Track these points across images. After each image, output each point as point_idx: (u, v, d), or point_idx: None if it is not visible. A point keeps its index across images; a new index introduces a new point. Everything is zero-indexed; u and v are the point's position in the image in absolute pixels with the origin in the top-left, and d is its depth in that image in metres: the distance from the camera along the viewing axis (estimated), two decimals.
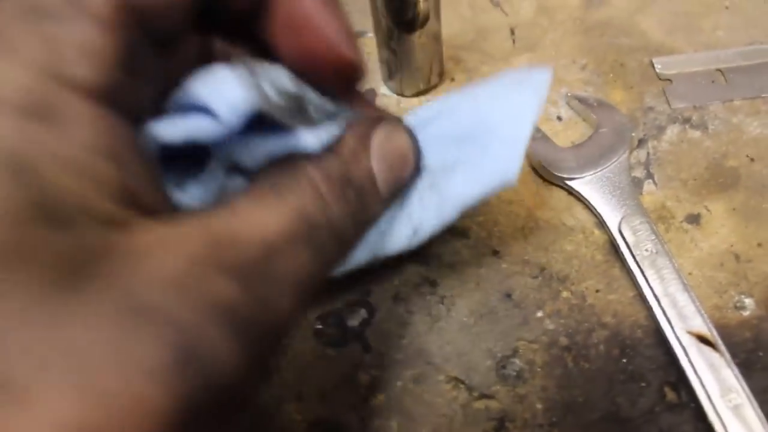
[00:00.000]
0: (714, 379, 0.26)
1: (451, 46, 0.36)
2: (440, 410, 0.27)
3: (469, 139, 0.26)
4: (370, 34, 0.37)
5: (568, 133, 0.34)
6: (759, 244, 0.30)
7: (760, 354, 0.28)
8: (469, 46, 0.37)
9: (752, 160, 0.32)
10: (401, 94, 0.35)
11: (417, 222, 0.26)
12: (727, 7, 0.38)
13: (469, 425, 0.27)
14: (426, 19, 0.31)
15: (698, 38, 0.36)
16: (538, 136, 0.33)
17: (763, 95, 0.34)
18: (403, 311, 0.30)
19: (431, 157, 0.26)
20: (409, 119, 0.27)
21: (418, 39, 0.32)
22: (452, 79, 0.36)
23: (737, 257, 0.30)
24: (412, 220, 0.26)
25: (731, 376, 0.26)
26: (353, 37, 0.22)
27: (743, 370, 0.27)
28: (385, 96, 0.36)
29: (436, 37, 0.33)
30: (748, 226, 0.30)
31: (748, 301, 0.29)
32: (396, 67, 0.34)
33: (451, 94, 0.27)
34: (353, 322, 0.30)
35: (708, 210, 0.31)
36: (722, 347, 0.27)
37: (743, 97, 0.34)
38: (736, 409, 0.26)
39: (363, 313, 0.30)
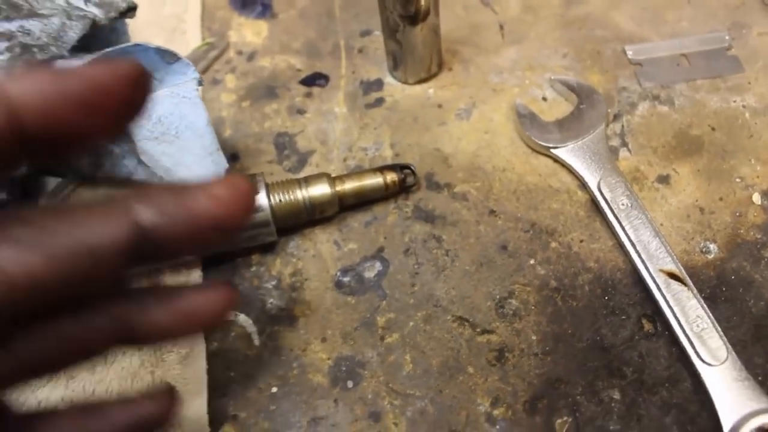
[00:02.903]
0: (683, 310, 0.31)
1: (448, 41, 0.41)
2: (448, 344, 0.32)
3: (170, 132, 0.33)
4: (377, 32, 0.42)
5: (553, 110, 0.38)
6: (720, 199, 0.34)
7: (723, 289, 0.32)
8: (464, 41, 0.42)
9: (713, 129, 0.37)
10: (405, 82, 0.40)
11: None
12: (689, 2, 0.43)
13: (473, 356, 0.31)
14: (427, 13, 0.36)
15: (664, 28, 0.41)
16: (527, 113, 0.37)
17: (721, 75, 0.39)
18: (413, 263, 0.34)
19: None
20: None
21: (420, 31, 0.37)
22: (450, 69, 0.41)
23: (701, 210, 0.34)
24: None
25: (698, 307, 0.31)
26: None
27: (708, 303, 0.31)
28: (391, 85, 0.40)
29: (436, 31, 0.38)
30: (711, 184, 0.35)
31: (711, 246, 0.33)
32: (401, 57, 0.38)
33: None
34: (370, 274, 0.34)
35: (676, 172, 0.36)
36: (690, 283, 0.31)
37: (704, 77, 0.39)
38: (702, 333, 0.30)
39: (378, 266, 0.34)
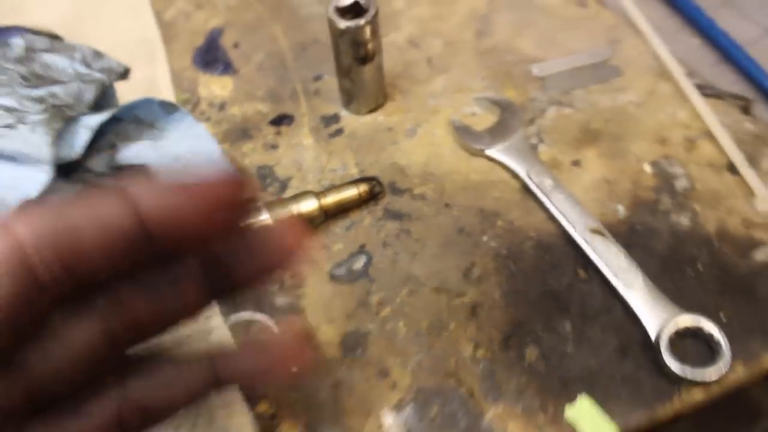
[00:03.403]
0: (607, 256, 0.40)
1: (389, 76, 0.49)
2: (431, 310, 0.39)
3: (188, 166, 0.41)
4: (327, 76, 0.51)
5: (481, 122, 0.47)
6: (621, 171, 0.44)
7: (633, 238, 0.41)
8: (401, 75, 0.51)
9: (607, 121, 0.47)
10: (358, 113, 0.48)
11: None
12: (576, 27, 0.53)
13: (452, 315, 0.39)
14: (373, 55, 0.44)
15: (558, 49, 0.52)
16: (461, 125, 0.46)
17: (607, 80, 0.49)
18: (391, 253, 0.42)
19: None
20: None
21: (369, 70, 0.45)
22: (393, 99, 0.49)
23: (608, 182, 0.44)
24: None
25: (617, 251, 0.40)
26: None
27: (625, 249, 0.40)
28: (346, 117, 0.48)
29: (380, 69, 0.46)
30: (612, 161, 0.45)
31: (620, 207, 0.43)
32: (354, 93, 0.47)
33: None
34: (358, 265, 0.41)
35: (584, 156, 0.45)
36: (608, 235, 0.40)
37: (594, 83, 0.49)
38: (622, 270, 0.39)
39: (363, 258, 0.41)
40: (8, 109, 0.36)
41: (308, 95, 0.50)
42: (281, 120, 0.49)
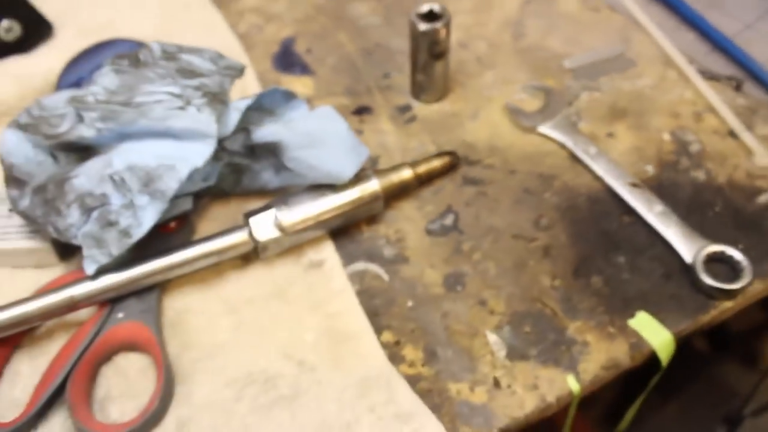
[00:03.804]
0: (645, 203, 0.50)
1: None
2: (512, 252, 0.49)
3: (318, 140, 0.48)
4: (393, 73, 0.60)
5: (529, 105, 0.57)
6: (647, 139, 0.55)
7: (662, 189, 0.52)
8: (457, 71, 0.61)
9: (630, 101, 0.58)
10: (427, 102, 0.58)
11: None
12: (596, 27, 0.64)
13: (530, 255, 0.48)
14: (445, 52, 0.54)
15: (583, 46, 0.62)
16: (515, 108, 0.56)
17: (625, 69, 0.60)
18: (473, 210, 0.51)
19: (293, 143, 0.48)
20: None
21: (440, 66, 0.55)
22: (453, 91, 0.59)
23: (638, 148, 0.54)
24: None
25: (653, 199, 0.50)
26: None
27: (658, 196, 0.50)
28: (416, 105, 0.58)
29: (447, 65, 0.56)
30: (638, 132, 0.55)
31: (649, 167, 0.53)
32: (425, 85, 0.56)
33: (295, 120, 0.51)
34: (448, 221, 0.51)
35: (616, 129, 0.56)
36: (645, 188, 0.51)
37: (615, 72, 0.60)
38: (658, 214, 0.49)
39: (451, 216, 0.51)
40: (176, 95, 0.45)
41: (381, 90, 0.60)
42: (362, 111, 0.58)
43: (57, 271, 0.48)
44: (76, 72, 0.57)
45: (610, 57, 0.61)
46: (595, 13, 0.66)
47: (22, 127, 0.46)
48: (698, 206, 0.51)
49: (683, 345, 0.45)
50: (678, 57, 0.60)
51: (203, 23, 0.66)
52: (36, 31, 0.62)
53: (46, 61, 0.59)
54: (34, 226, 0.45)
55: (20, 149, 0.46)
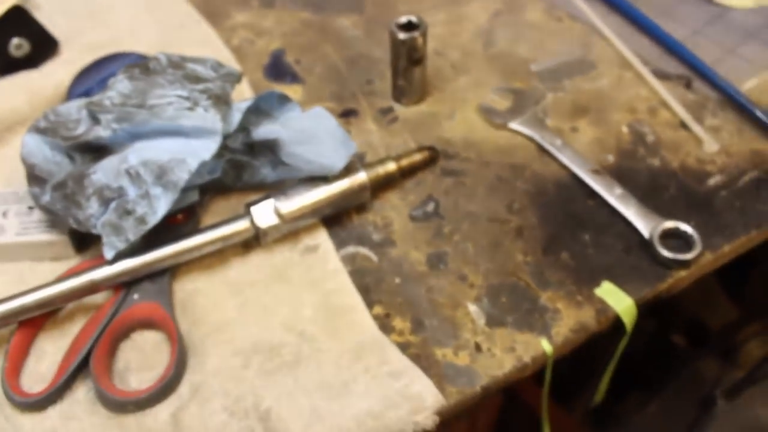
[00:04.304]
0: (606, 187, 0.56)
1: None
2: (488, 233, 0.54)
3: (311, 137, 0.54)
4: (375, 80, 0.66)
5: (500, 105, 0.63)
6: (606, 132, 0.61)
7: (622, 176, 0.57)
8: (434, 76, 0.66)
9: (591, 100, 0.64)
10: (408, 105, 0.63)
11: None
12: (557, 36, 0.70)
13: (504, 236, 0.54)
14: (423, 59, 0.60)
15: (547, 52, 0.68)
16: (489, 107, 0.62)
17: (586, 72, 0.66)
18: (452, 198, 0.57)
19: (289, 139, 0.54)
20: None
21: (418, 71, 0.61)
22: (431, 94, 0.65)
23: (599, 140, 0.60)
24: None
25: (613, 183, 0.56)
26: None
27: (618, 180, 0.56)
28: (398, 108, 0.64)
29: (425, 70, 0.62)
30: (599, 127, 0.61)
31: (609, 156, 0.59)
32: (405, 89, 0.62)
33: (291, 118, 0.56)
34: (429, 208, 0.56)
35: (579, 124, 0.62)
36: (606, 174, 0.57)
37: (577, 74, 0.66)
38: (621, 197, 0.55)
39: (432, 204, 0.56)
40: (185, 98, 0.50)
41: (365, 94, 0.65)
42: (348, 113, 0.64)
43: (73, 263, 0.53)
44: (85, 83, 0.62)
45: (573, 61, 0.67)
46: (558, 22, 0.72)
47: (41, 131, 0.51)
48: (654, 189, 0.56)
49: (663, 342, 0.51)
50: (634, 59, 0.66)
51: (198, 39, 0.71)
52: (43, 47, 0.67)
53: (54, 75, 0.64)
54: (55, 218, 0.50)
55: (39, 150, 0.51)
